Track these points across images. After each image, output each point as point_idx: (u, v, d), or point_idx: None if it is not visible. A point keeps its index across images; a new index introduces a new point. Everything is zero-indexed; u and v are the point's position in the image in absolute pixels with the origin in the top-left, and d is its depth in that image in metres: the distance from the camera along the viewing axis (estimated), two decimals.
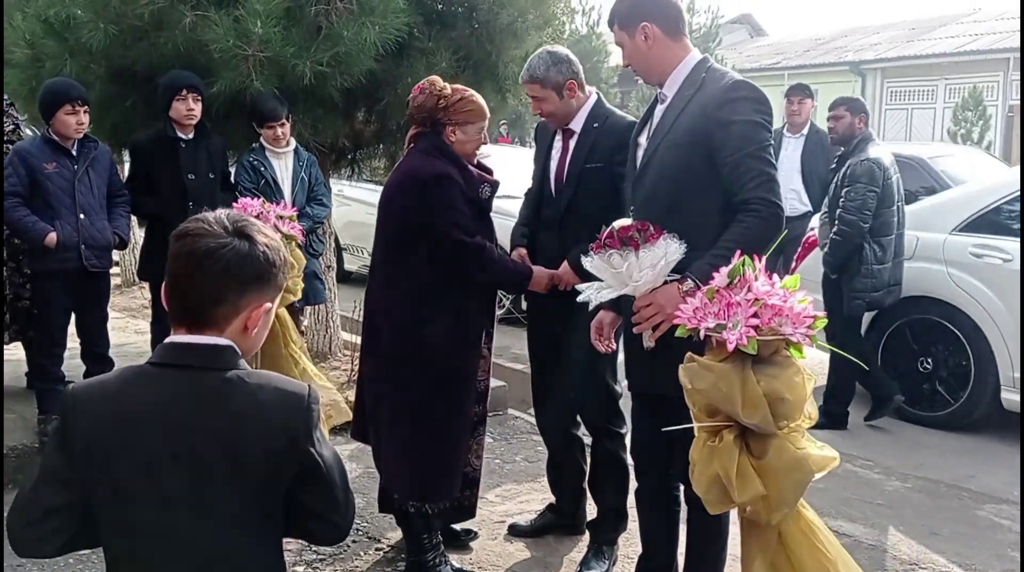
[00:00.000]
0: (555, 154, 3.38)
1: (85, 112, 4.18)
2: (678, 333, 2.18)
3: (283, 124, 4.66)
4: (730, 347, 2.05)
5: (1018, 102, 17.84)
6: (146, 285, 6.10)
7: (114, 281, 6.86)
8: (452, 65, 4.85)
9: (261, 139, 4.74)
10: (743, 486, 2.07)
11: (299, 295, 4.13)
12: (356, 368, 4.04)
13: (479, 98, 3.16)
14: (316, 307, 5.55)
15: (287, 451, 1.50)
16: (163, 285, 1.55)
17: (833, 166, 5.44)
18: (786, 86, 7.77)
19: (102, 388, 1.53)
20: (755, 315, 2.06)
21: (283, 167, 4.80)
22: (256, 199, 3.93)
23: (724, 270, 2.19)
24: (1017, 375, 4.92)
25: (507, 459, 4.57)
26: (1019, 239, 4.94)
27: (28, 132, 5.15)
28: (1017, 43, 16.88)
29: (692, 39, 2.84)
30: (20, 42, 4.74)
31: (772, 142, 2.56)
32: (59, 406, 1.53)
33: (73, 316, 4.41)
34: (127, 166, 4.92)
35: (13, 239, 4.43)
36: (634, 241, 2.40)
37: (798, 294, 2.09)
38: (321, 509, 1.57)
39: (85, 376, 4.16)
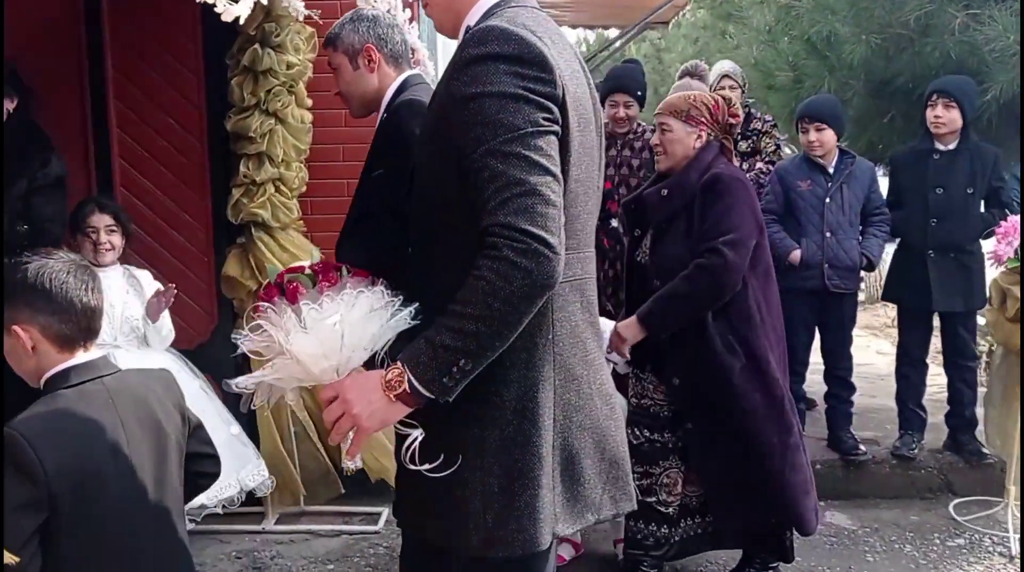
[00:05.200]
0: None
1: (819, 131, 4.11)
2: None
3: None
4: None
5: None
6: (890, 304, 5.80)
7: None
8: None
9: None
10: None
11: None
12: None
13: None
14: None
15: (183, 412, 1.82)
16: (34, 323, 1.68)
17: None
18: None
19: (45, 420, 1.63)
20: None
21: None
22: None
23: None
24: None
25: None
26: None
27: (787, 151, 5.36)
28: None
29: None
30: (784, 65, 4.94)
31: (543, 127, 1.47)
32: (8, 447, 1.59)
33: (818, 336, 4.39)
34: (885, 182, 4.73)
35: None
36: (292, 289, 1.58)
37: None
38: (209, 450, 1.90)
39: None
